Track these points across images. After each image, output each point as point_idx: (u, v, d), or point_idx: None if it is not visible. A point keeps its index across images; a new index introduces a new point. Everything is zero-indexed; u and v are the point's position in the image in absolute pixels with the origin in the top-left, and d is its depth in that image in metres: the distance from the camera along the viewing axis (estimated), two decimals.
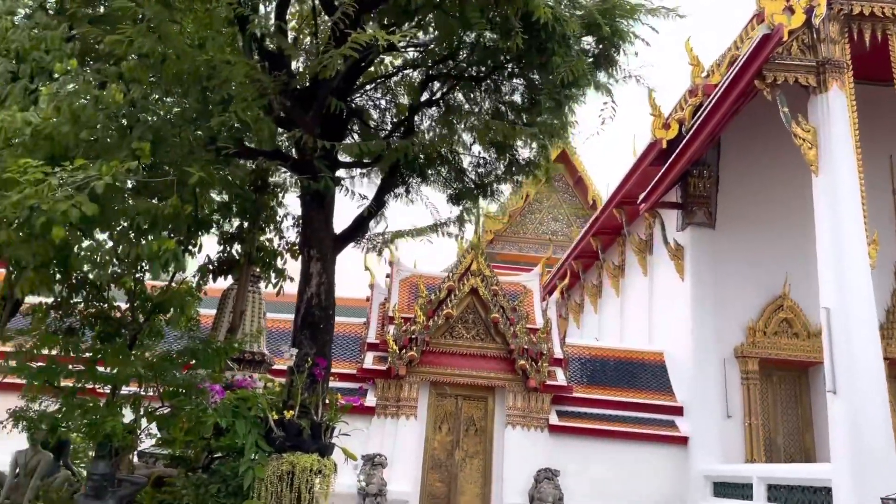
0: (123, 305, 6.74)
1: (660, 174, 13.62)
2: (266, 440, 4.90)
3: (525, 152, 6.54)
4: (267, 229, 6.81)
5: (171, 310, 6.44)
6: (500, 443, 13.15)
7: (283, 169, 6.87)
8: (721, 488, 12.06)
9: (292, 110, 5.00)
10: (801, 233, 13.39)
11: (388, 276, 14.69)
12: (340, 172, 6.06)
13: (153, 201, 5.21)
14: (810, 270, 13.04)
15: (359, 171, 6.52)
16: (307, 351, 5.09)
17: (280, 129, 6.36)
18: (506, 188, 6.99)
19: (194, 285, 6.88)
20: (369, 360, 13.22)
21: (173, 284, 6.46)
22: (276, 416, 4.86)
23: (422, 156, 6.75)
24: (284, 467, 4.75)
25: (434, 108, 6.58)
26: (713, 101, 11.60)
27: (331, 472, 4.92)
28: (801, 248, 13.45)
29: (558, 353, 13.50)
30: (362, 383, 13.15)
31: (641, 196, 14.25)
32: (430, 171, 7.04)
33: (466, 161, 7.06)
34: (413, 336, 12.98)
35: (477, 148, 6.94)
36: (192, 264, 6.08)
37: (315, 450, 4.86)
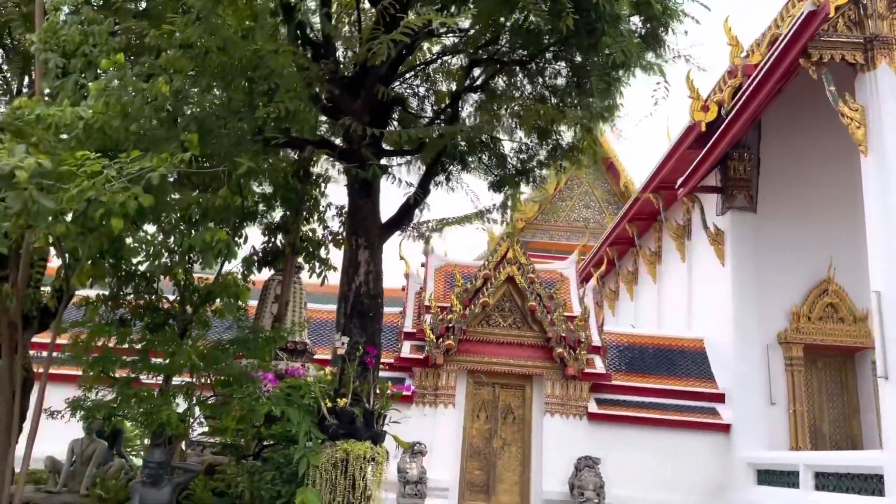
0: (170, 297, 6.84)
1: (699, 158, 13.37)
2: (319, 428, 4.93)
3: (569, 136, 6.45)
4: (310, 219, 6.83)
5: (220, 300, 6.51)
6: (538, 431, 13.11)
7: (325, 159, 6.89)
8: (765, 476, 11.88)
9: (340, 98, 4.99)
10: (847, 215, 13.08)
11: (423, 265, 14.70)
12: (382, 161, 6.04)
13: (201, 193, 5.26)
14: (856, 253, 12.74)
15: (400, 159, 6.49)
16: (357, 339, 5.10)
17: (324, 118, 6.37)
18: (548, 174, 6.90)
19: (239, 276, 6.94)
20: (406, 349, 13.26)
21: (220, 276, 6.52)
22: (328, 404, 4.89)
23: (464, 143, 6.71)
24: (339, 455, 4.77)
25: (476, 95, 6.52)
26: (755, 82, 11.33)
27: (384, 459, 4.93)
28: (846, 231, 13.15)
29: (596, 341, 13.38)
30: (400, 372, 13.19)
31: (680, 181, 14.01)
32: (470, 159, 6.99)
33: (508, 147, 7.00)
34: (450, 325, 12.98)
35: (518, 134, 6.87)
36: (237, 255, 6.11)
37: (368, 437, 4.87)
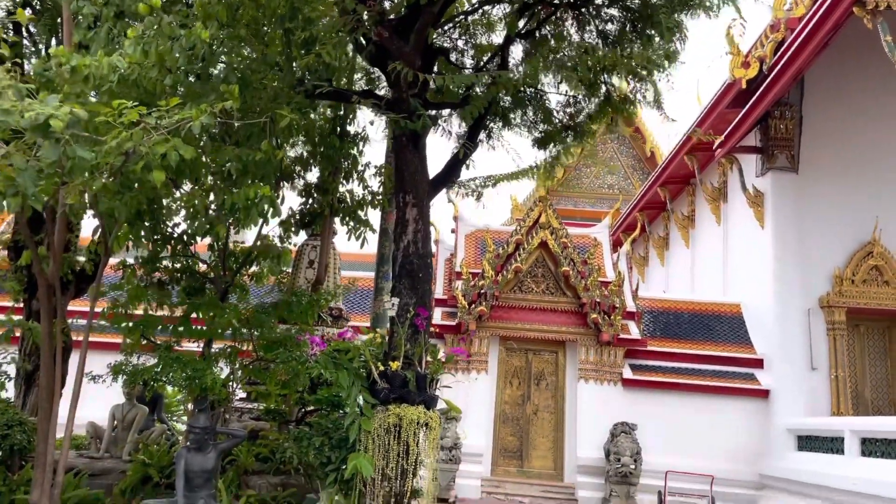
0: (206, 262, 6.66)
1: (739, 117, 12.88)
2: (370, 392, 4.74)
3: (622, 87, 6.09)
4: (349, 179, 6.57)
5: (258, 264, 6.32)
6: (571, 397, 12.94)
7: (363, 117, 6.62)
8: (806, 442, 11.61)
9: (389, 42, 4.68)
10: (893, 175, 12.59)
11: (453, 231, 14.45)
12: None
13: (240, 149, 5.01)
14: None
15: (444, 113, 6.19)
16: (407, 301, 4.87)
17: (362, 71, 6.07)
18: (597, 128, 6.56)
19: (276, 239, 6.74)
20: (438, 316, 13.07)
21: (259, 238, 6.31)
22: (380, 368, 4.69)
23: (508, 98, 6.39)
24: (391, 420, 4.58)
25: (522, 45, 6.17)
26: (802, 34, 10.79)
27: (437, 424, 4.75)
28: (892, 192, 12.67)
29: (630, 307, 13.10)
30: (431, 339, 13.03)
31: (718, 141, 13.53)
32: (512, 115, 6.67)
33: (554, 101, 6.66)
34: (482, 291, 12.76)
35: (564, 87, 6.52)
36: (281, 213, 5.89)
37: (420, 402, 4.68)
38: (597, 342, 12.73)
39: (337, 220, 6.95)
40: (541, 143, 6.67)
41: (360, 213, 6.63)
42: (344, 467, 4.74)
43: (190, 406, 5.47)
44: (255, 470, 6.28)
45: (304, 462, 5.10)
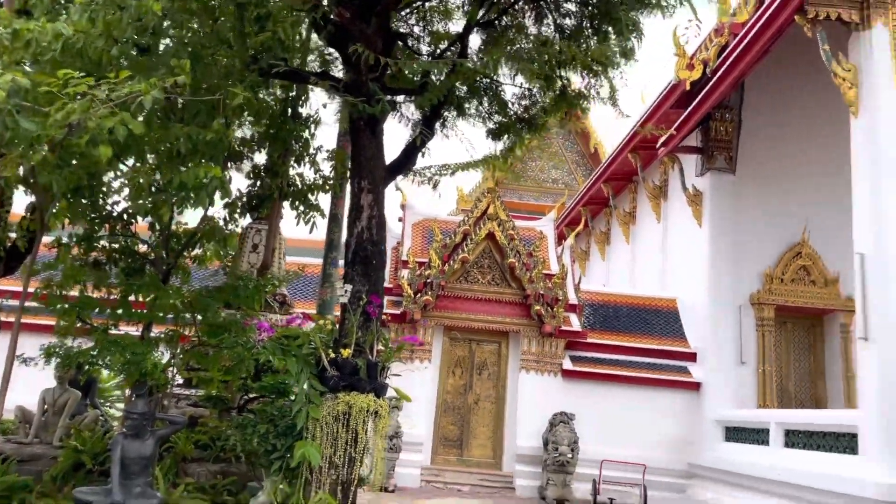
0: (146, 243, 6.42)
1: (682, 117, 13.24)
2: (319, 380, 4.67)
3: (576, 82, 6.17)
4: (300, 162, 6.44)
5: (202, 246, 6.14)
6: (513, 387, 13.12)
7: (315, 100, 6.48)
8: (734, 433, 12.12)
9: (352, 23, 4.59)
10: (823, 179, 13.19)
11: (400, 219, 14.38)
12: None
13: (189, 127, 4.83)
14: (830, 217, 12.92)
15: (399, 99, 6.13)
16: (360, 288, 4.81)
17: (315, 50, 5.94)
18: (552, 121, 6.62)
19: (221, 221, 6.55)
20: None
21: (204, 221, 6.12)
22: (331, 355, 4.63)
23: (463, 88, 6.37)
24: (340, 407, 4.54)
25: (481, 34, 6.16)
26: (745, 40, 11.15)
27: (386, 412, 4.72)
28: (821, 195, 13.27)
29: (573, 299, 13.35)
30: None
31: (661, 140, 13.88)
32: (467, 105, 6.66)
33: (509, 93, 6.68)
34: (428, 280, 12.76)
35: (520, 80, 6.55)
36: (231, 195, 5.72)
37: (371, 390, 4.64)
38: (539, 333, 12.93)
39: (286, 203, 6.80)
40: (495, 135, 6.69)
41: (311, 198, 6.50)
42: (290, 455, 4.66)
43: (127, 391, 5.28)
44: (194, 457, 6.12)
45: (247, 450, 5.00)
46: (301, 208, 6.67)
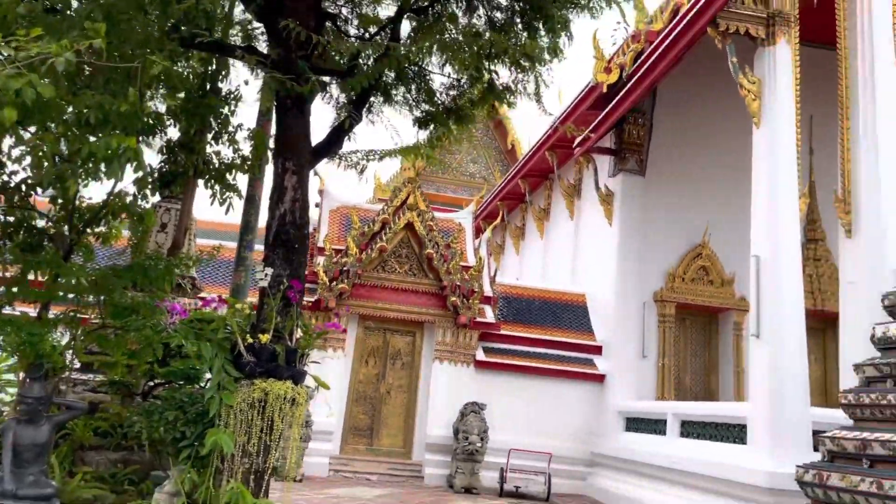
0: (44, 217, 5.99)
1: (598, 119, 13.65)
2: (234, 365, 4.51)
3: (504, 76, 6.23)
4: (219, 140, 6.18)
5: (108, 223, 5.79)
6: (426, 377, 13.18)
7: (236, 76, 6.24)
8: (634, 423, 12.67)
9: None
10: (725, 185, 13.96)
11: (317, 205, 14.11)
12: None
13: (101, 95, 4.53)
14: (729, 221, 13.70)
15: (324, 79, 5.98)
16: (280, 272, 4.67)
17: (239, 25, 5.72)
18: (479, 113, 6.66)
19: (130, 199, 6.20)
20: None
21: (111, 196, 5.77)
22: (248, 340, 4.47)
23: (391, 74, 6.31)
24: (256, 394, 4.39)
25: (412, 21, 6.11)
26: (659, 48, 11.62)
27: (304, 400, 4.62)
28: (722, 200, 14.04)
29: (488, 292, 13.55)
30: None
31: (577, 140, 14.28)
32: (395, 93, 6.60)
33: (438, 82, 6.67)
34: (344, 268, 12.61)
35: (448, 69, 6.55)
36: (146, 168, 5.41)
37: (289, 377, 4.53)
38: (454, 325, 13.05)
39: (201, 182, 6.51)
40: (422, 123, 6.65)
41: (229, 177, 6.25)
42: (199, 443, 4.49)
43: (21, 374, 4.91)
44: (93, 445, 5.79)
45: (152, 438, 4.77)
46: (217, 188, 6.40)
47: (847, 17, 9.94)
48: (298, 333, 4.73)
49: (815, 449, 8.08)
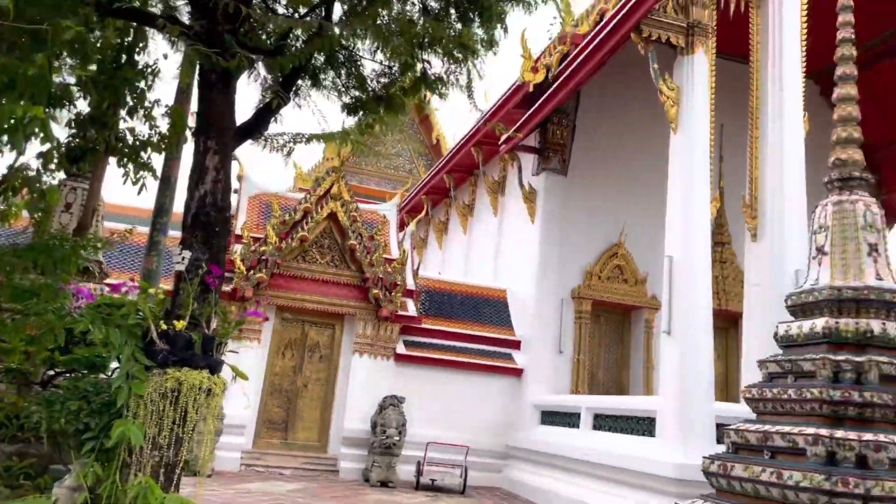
0: None
1: (524, 118, 13.84)
2: (146, 354, 4.26)
3: (437, 66, 6.17)
4: (134, 115, 5.82)
5: (6, 199, 5.35)
6: (345, 370, 13.01)
7: (154, 49, 5.90)
8: (549, 416, 12.96)
9: None
10: (641, 187, 14.45)
11: (235, 191, 13.63)
12: None
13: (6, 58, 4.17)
14: (645, 223, 14.21)
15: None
16: (199, 256, 4.44)
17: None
18: (409, 102, 6.58)
19: (33, 174, 5.76)
20: None
21: (11, 170, 5.34)
22: (163, 327, 4.23)
23: (320, 57, 6.14)
24: (169, 384, 4.16)
25: (343, 5, 5.95)
26: (587, 51, 11.89)
27: (221, 390, 4.42)
28: (639, 201, 14.54)
29: (411, 285, 13.50)
30: None
31: (503, 137, 14.42)
32: (323, 77, 6.43)
33: (369, 69, 6.54)
34: (263, 257, 12.25)
35: (380, 56, 6.44)
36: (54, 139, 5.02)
37: (205, 366, 4.32)
38: (375, 317, 12.92)
39: (112, 161, 6.12)
40: (351, 110, 6.50)
41: (143, 156, 5.90)
42: (105, 435, 4.21)
43: None
44: None
45: (52, 429, 4.44)
46: (130, 167, 6.04)
47: (759, 32, 10.48)
48: (216, 321, 4.51)
49: (719, 441, 8.50)
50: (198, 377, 4.25)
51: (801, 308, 6.34)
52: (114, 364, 5.05)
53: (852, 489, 4.92)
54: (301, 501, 9.39)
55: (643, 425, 10.09)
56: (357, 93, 6.54)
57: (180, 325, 4.22)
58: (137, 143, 5.86)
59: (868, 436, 5.16)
